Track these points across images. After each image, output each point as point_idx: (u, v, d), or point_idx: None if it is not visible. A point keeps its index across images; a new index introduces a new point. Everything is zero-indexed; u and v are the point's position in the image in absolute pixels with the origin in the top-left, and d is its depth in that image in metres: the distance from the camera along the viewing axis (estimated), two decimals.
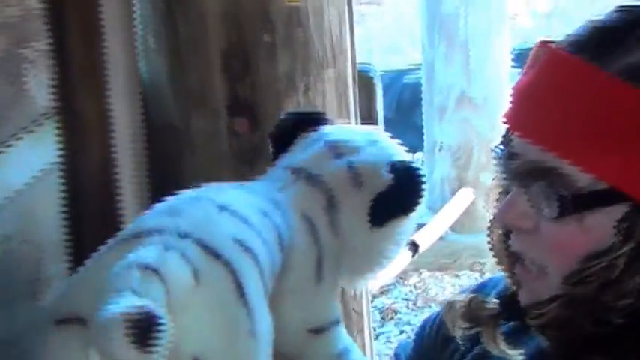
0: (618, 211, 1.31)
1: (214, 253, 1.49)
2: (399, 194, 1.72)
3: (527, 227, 1.37)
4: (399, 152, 1.76)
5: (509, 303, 1.44)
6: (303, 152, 1.78)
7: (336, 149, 1.76)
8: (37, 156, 1.82)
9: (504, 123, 1.41)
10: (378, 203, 1.71)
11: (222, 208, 1.60)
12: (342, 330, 1.77)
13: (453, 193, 6.32)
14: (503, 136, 1.40)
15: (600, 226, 1.32)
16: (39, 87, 1.80)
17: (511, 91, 1.39)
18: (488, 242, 1.52)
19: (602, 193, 1.31)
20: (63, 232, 1.92)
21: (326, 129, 1.82)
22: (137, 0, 2.06)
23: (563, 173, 1.31)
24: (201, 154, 2.09)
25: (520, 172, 1.36)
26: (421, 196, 1.70)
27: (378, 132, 1.83)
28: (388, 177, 1.71)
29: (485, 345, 1.47)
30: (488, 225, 1.45)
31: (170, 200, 1.60)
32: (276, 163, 1.78)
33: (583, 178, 1.31)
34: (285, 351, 1.68)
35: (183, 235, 1.50)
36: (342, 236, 1.72)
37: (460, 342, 1.52)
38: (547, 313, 1.37)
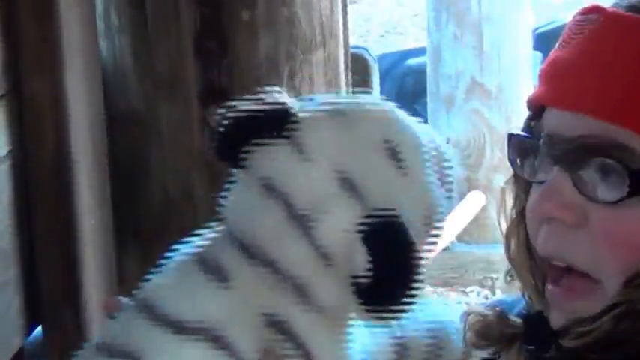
0: None
1: None
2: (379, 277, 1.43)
3: (571, 221, 1.34)
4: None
5: (536, 322, 1.42)
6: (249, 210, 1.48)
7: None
8: None
9: (534, 102, 1.41)
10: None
11: None
12: None
13: (462, 196, 6.26)
14: (530, 119, 1.37)
15: None
16: None
17: (546, 67, 1.37)
18: (506, 252, 1.48)
19: None
20: (11, 229, 1.91)
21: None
22: None
23: (629, 147, 1.31)
24: (169, 147, 2.09)
25: (568, 152, 1.33)
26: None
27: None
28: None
29: None
30: (506, 231, 1.45)
31: None
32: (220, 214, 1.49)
33: None
34: None
35: None
36: None
37: None
38: (595, 330, 1.33)
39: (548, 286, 1.37)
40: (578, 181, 1.32)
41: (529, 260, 1.43)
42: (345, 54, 2.21)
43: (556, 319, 1.37)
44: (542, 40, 6.51)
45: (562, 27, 1.45)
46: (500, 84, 6.47)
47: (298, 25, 2.09)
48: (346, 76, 2.29)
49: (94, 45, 2.02)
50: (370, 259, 1.39)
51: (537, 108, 1.39)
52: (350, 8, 2.21)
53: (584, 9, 1.37)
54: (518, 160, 1.39)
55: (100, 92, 2.00)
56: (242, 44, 2.17)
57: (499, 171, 6.06)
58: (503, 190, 1.46)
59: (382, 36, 8.79)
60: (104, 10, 2.08)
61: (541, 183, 1.37)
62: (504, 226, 1.45)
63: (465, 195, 6.35)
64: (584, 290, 1.36)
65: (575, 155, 1.33)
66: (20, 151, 1.92)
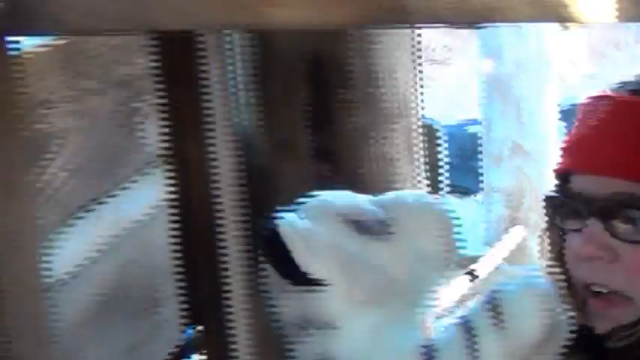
0: None
1: None
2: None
3: (608, 258, 1.33)
4: None
5: (583, 331, 1.37)
6: None
7: None
8: (150, 194, 1.81)
9: (563, 171, 1.40)
10: None
11: None
12: None
13: (506, 230, 6.28)
14: (562, 184, 1.39)
15: None
16: (151, 135, 1.79)
17: (569, 143, 1.38)
18: (547, 271, 1.43)
19: None
20: (173, 258, 1.87)
21: None
22: (231, 64, 2.03)
23: None
24: (288, 197, 2.07)
25: (603, 206, 1.31)
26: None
27: None
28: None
29: None
30: (550, 262, 1.43)
31: None
32: None
33: None
34: None
35: None
36: None
37: None
38: (636, 332, 1.33)
39: (591, 301, 1.33)
40: (611, 227, 1.32)
41: (568, 287, 1.39)
42: (420, 123, 2.18)
43: (601, 327, 1.36)
44: (566, 113, 6.51)
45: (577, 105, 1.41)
46: (536, 146, 6.46)
47: (385, 101, 2.02)
48: (421, 140, 2.18)
49: (229, 117, 1.98)
50: None
51: (565, 174, 1.34)
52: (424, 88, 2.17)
53: (596, 96, 1.36)
54: (553, 214, 1.35)
55: (236, 153, 1.96)
56: (343, 116, 2.10)
57: (534, 211, 5.99)
58: (541, 237, 1.42)
59: (446, 110, 8.82)
60: (235, 91, 2.05)
61: (575, 230, 1.35)
62: (545, 262, 1.45)
63: (509, 229, 6.33)
64: (620, 303, 1.31)
65: (609, 208, 1.32)
66: (178, 199, 1.89)
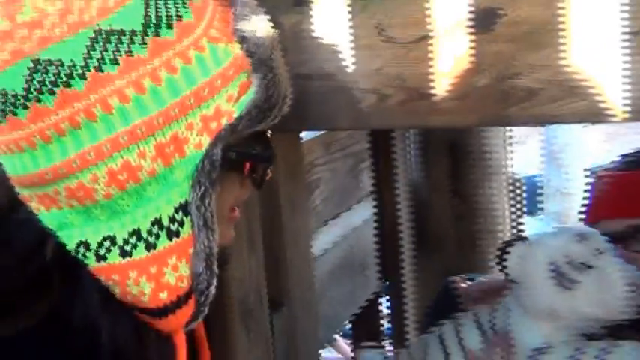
0: None
1: None
2: None
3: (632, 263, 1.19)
4: None
5: None
6: None
7: None
8: (365, 213, 1.88)
9: (593, 219, 1.27)
10: None
11: None
12: None
13: None
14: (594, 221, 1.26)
15: None
16: (366, 181, 1.87)
17: (590, 207, 1.27)
18: None
19: None
20: (377, 247, 1.89)
21: None
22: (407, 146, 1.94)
23: None
24: None
25: (616, 235, 1.17)
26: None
27: None
28: None
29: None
30: None
31: None
32: None
33: None
34: None
35: None
36: None
37: None
38: None
39: None
40: (629, 246, 1.17)
41: None
42: (509, 177, 2.05)
43: None
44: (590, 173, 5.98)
45: (600, 167, 1.36)
46: (574, 189, 5.97)
47: (490, 163, 1.92)
48: (509, 187, 2.03)
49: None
50: None
51: (590, 224, 1.27)
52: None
53: (599, 175, 1.33)
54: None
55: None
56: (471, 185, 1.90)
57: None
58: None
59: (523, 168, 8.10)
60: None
61: None
62: None
63: None
64: None
65: (622, 234, 1.18)
66: (379, 218, 1.89)
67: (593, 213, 1.30)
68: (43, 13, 0.65)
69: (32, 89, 0.64)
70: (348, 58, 0.97)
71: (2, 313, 0.67)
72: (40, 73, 0.64)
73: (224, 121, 0.68)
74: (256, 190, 0.79)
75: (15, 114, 0.65)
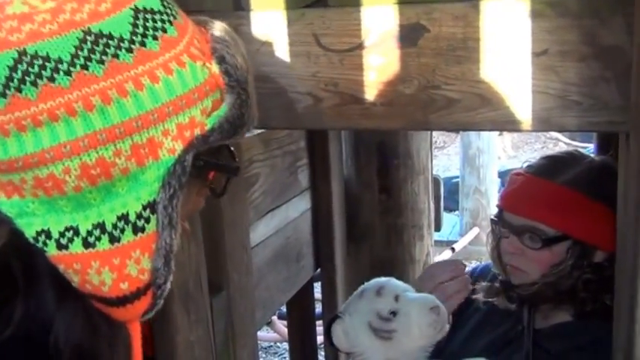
0: (567, 243, 1.26)
1: None
2: None
3: (519, 253, 1.30)
4: None
5: (506, 282, 1.35)
6: None
7: None
8: (300, 206, 1.86)
9: (502, 208, 1.35)
10: None
11: None
12: None
13: (469, 229, 6.07)
14: (500, 213, 1.35)
15: (560, 250, 1.26)
16: (303, 177, 1.84)
17: (503, 195, 1.36)
18: (490, 255, 1.40)
19: (560, 236, 1.26)
20: (311, 238, 1.85)
21: None
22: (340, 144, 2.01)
23: (541, 229, 1.27)
24: None
25: (516, 228, 1.30)
26: None
27: None
28: None
29: (497, 303, 1.37)
30: (490, 248, 1.38)
31: None
32: None
33: (550, 230, 1.27)
34: None
35: None
36: None
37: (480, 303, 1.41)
38: (531, 288, 1.29)
39: (508, 269, 1.37)
40: (521, 239, 1.31)
41: (499, 261, 1.38)
42: (430, 177, 2.08)
43: (514, 281, 1.33)
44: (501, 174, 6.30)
45: (510, 170, 1.42)
46: (487, 190, 6.17)
47: (415, 164, 2.01)
48: (431, 186, 2.08)
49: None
50: None
51: (501, 209, 1.37)
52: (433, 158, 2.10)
53: (516, 172, 1.40)
54: (494, 227, 1.37)
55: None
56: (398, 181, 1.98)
57: (485, 220, 5.70)
58: (488, 235, 1.43)
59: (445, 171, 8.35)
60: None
61: (504, 237, 1.35)
62: (489, 248, 1.42)
63: (470, 229, 6.10)
64: (521, 273, 1.33)
65: (520, 231, 1.30)
66: (314, 210, 1.87)
67: (502, 202, 1.36)
68: (36, 9, 0.65)
69: (15, 79, 0.63)
70: (285, 63, 0.98)
71: None
72: (24, 65, 0.63)
73: (197, 131, 0.69)
74: (216, 199, 0.79)
75: None
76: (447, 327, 1.17)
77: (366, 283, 1.22)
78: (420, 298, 1.17)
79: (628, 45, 0.84)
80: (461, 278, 1.35)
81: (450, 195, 5.96)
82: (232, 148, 0.78)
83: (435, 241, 2.24)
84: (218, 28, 0.74)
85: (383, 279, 1.21)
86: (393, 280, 1.21)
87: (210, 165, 0.73)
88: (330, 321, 1.20)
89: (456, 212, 6.53)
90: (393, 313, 1.14)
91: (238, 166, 0.78)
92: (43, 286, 0.67)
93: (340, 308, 1.27)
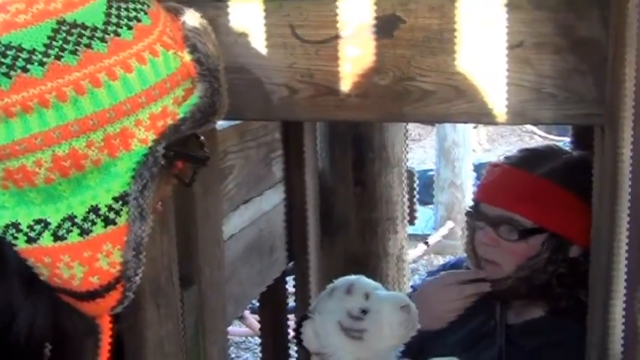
0: (543, 236, 1.27)
1: None
2: None
3: (494, 245, 1.31)
4: None
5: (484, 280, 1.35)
6: None
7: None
8: (274, 198, 1.84)
9: (476, 199, 1.37)
10: None
11: None
12: None
13: (444, 223, 6.13)
14: (475, 205, 1.37)
15: (535, 243, 1.27)
16: (277, 169, 1.82)
17: (480, 187, 1.39)
18: (465, 251, 1.42)
19: (536, 229, 1.27)
20: (285, 231, 1.81)
21: None
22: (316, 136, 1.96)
23: (518, 220, 1.28)
24: None
25: (494, 221, 1.31)
26: None
27: None
28: None
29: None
30: (465, 241, 1.40)
31: None
32: None
33: (527, 222, 1.27)
34: None
35: None
36: None
37: None
38: (505, 283, 1.31)
39: (483, 264, 1.39)
40: (497, 231, 1.32)
41: (473, 254, 1.38)
42: (405, 170, 2.05)
43: (490, 276, 1.32)
44: (478, 168, 6.35)
45: (485, 164, 1.43)
46: (462, 183, 6.23)
47: (389, 157, 1.97)
48: (405, 179, 2.04)
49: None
50: None
51: (477, 201, 1.39)
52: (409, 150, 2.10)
53: (494, 164, 1.40)
54: (470, 219, 1.38)
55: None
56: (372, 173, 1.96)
57: (460, 213, 5.76)
58: (463, 228, 1.43)
59: (419, 163, 8.38)
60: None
61: (480, 229, 1.36)
62: (464, 241, 1.44)
63: (445, 222, 6.17)
64: (496, 266, 1.33)
65: (497, 222, 1.31)
66: (288, 201, 1.84)
67: (479, 194, 1.37)
68: None
69: None
70: (262, 55, 0.97)
71: None
72: None
73: (169, 121, 0.68)
74: (186, 187, 0.77)
75: None
76: (418, 326, 1.15)
77: (335, 282, 1.20)
78: (391, 297, 1.16)
79: (604, 38, 0.84)
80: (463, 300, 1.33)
81: (425, 188, 6.02)
82: (201, 138, 0.77)
83: (410, 235, 2.24)
84: (189, 15, 0.73)
85: (352, 277, 1.19)
86: (363, 278, 1.19)
87: (180, 155, 0.72)
88: (299, 321, 1.18)
89: (431, 206, 6.57)
90: (364, 312, 1.13)
91: (208, 155, 0.77)
92: (10, 280, 0.65)
93: (310, 308, 1.25)
